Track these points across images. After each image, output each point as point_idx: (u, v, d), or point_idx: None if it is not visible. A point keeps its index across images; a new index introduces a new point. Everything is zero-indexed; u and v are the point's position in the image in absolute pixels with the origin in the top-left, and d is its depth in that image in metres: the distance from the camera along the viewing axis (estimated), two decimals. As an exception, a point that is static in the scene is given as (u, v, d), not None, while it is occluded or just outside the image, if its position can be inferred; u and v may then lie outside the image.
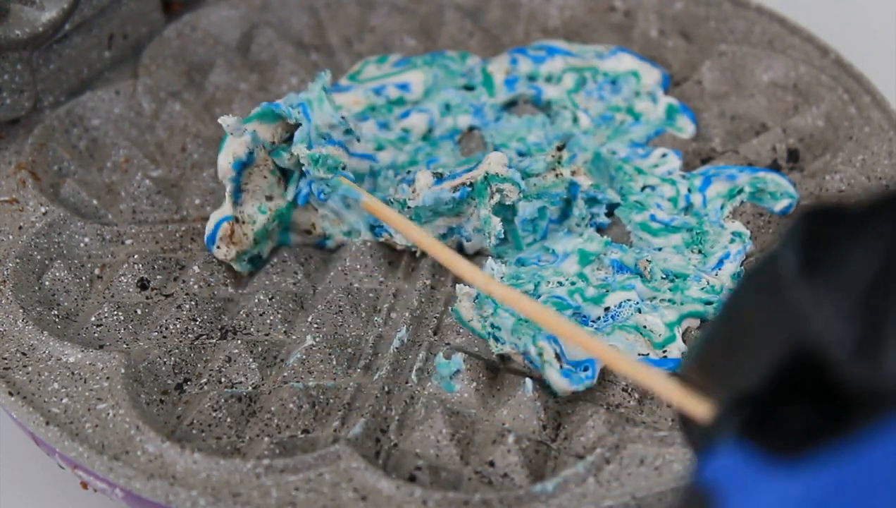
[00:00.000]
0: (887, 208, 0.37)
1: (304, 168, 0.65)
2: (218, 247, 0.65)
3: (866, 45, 0.81)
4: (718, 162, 0.72)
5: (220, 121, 0.64)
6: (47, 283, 0.66)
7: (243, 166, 0.65)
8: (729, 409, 0.39)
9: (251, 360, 0.62)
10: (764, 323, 0.39)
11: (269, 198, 0.66)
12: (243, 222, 0.65)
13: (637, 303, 0.63)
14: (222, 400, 0.60)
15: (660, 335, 0.62)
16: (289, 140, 0.66)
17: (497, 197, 0.65)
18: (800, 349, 0.38)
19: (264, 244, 0.67)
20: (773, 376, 0.38)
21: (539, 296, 0.64)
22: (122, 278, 0.66)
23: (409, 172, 0.68)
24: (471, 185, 0.65)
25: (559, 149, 0.69)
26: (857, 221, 0.37)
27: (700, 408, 0.42)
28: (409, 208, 0.65)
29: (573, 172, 0.68)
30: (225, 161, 0.65)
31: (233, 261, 0.66)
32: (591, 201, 0.68)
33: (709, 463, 0.38)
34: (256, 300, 0.65)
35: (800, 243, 0.38)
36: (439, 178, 0.65)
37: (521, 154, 0.71)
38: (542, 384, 0.61)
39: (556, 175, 0.67)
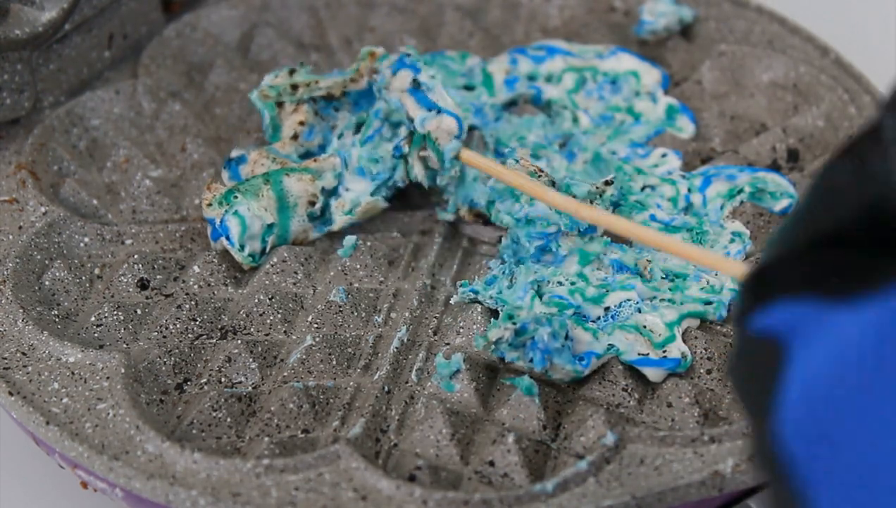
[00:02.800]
0: None
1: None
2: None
3: (866, 45, 0.81)
4: (718, 162, 0.72)
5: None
6: (47, 283, 0.66)
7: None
8: (789, 261, 0.40)
9: (251, 360, 0.62)
10: (845, 184, 0.40)
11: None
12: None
13: (637, 303, 0.63)
14: (222, 400, 0.60)
15: (660, 335, 0.62)
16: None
17: (423, 158, 0.68)
18: (879, 201, 0.39)
19: (267, 234, 0.67)
20: (844, 221, 0.40)
21: (541, 296, 0.64)
22: (122, 278, 0.66)
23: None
24: (410, 136, 0.68)
25: (607, 183, 0.67)
26: None
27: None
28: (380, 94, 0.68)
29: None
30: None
31: (210, 206, 0.67)
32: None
33: (769, 314, 0.40)
34: (256, 300, 0.65)
35: None
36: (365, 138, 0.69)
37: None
38: (542, 384, 0.61)
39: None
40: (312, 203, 0.68)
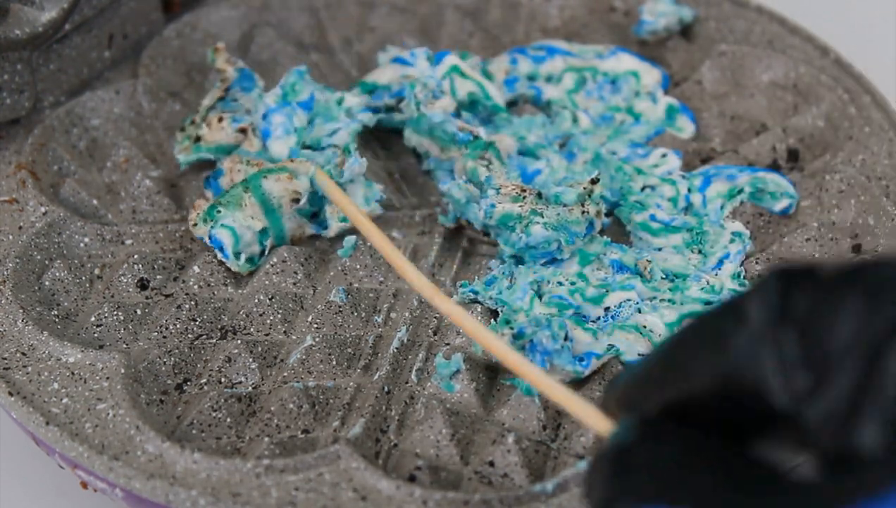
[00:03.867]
0: (858, 278, 0.38)
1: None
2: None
3: (866, 45, 0.81)
4: (718, 162, 0.72)
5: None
6: (47, 283, 0.66)
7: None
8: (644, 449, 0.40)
9: (251, 360, 0.62)
10: (703, 362, 0.40)
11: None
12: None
13: (637, 303, 0.63)
14: (222, 400, 0.60)
15: (659, 335, 0.62)
16: None
17: (483, 163, 0.67)
18: (733, 383, 0.39)
19: (263, 237, 0.67)
20: (693, 397, 0.40)
21: (541, 296, 0.64)
22: (122, 278, 0.66)
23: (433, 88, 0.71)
24: (475, 137, 0.68)
25: (593, 182, 0.66)
26: (829, 284, 0.39)
27: (604, 426, 0.45)
28: (417, 108, 0.70)
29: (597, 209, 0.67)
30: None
31: (197, 224, 0.67)
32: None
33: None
34: (256, 300, 0.65)
35: (772, 295, 0.39)
36: (456, 112, 0.71)
37: (520, 153, 0.71)
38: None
39: (583, 212, 0.65)
40: (296, 200, 0.67)
